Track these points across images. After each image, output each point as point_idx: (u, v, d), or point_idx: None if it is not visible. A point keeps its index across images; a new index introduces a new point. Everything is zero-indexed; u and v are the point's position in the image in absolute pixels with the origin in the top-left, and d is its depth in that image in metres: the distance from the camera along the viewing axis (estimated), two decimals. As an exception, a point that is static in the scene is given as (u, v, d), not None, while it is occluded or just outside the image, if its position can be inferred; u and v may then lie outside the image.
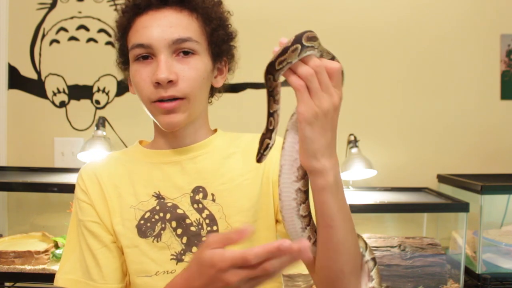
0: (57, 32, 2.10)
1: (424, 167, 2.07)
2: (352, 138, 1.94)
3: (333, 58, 0.74)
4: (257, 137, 1.02)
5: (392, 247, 1.68)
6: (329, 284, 0.83)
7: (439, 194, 1.87)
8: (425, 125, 2.09)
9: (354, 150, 1.91)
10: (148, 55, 0.91)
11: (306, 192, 0.77)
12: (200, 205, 0.95)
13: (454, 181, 1.91)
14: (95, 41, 2.09)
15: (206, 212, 0.94)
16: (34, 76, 2.11)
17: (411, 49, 2.09)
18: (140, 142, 1.05)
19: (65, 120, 2.11)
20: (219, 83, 1.01)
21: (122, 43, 0.97)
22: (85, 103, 2.11)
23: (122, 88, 2.08)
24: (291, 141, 0.75)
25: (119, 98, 2.10)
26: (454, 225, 1.86)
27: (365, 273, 0.85)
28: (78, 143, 2.06)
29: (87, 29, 2.09)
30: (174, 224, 0.93)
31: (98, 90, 2.10)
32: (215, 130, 1.06)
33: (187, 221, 0.94)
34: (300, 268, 1.62)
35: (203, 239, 0.93)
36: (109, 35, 2.07)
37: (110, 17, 1.98)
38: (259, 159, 0.76)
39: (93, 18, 2.09)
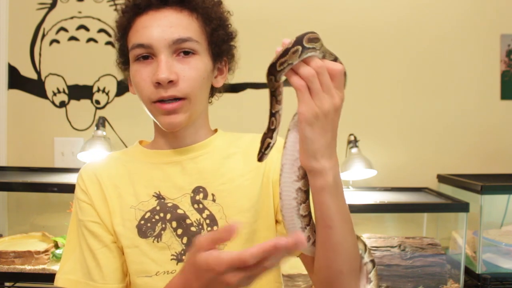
0: (57, 32, 2.10)
1: (424, 167, 2.07)
2: (352, 138, 1.94)
3: (335, 59, 0.74)
4: (257, 137, 1.03)
5: (392, 247, 1.68)
6: (328, 284, 0.83)
7: (439, 194, 1.87)
8: (425, 125, 2.09)
9: (354, 150, 1.91)
10: (148, 55, 0.91)
11: (306, 192, 0.77)
12: (201, 205, 0.95)
13: (454, 181, 1.91)
14: (95, 41, 2.09)
15: (206, 212, 0.94)
16: (34, 76, 2.11)
17: (411, 49, 2.09)
18: (140, 142, 1.05)
19: (65, 120, 2.11)
20: (219, 83, 1.01)
21: (122, 43, 0.97)
22: (85, 103, 2.11)
23: (122, 88, 2.08)
24: (293, 141, 0.75)
25: (119, 98, 2.10)
26: (454, 225, 1.86)
27: (364, 275, 0.85)
28: (78, 143, 2.06)
29: (87, 29, 2.09)
30: (174, 224, 0.93)
31: (98, 90, 2.10)
32: (216, 130, 1.05)
33: (188, 221, 0.94)
34: (300, 268, 1.62)
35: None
36: (109, 35, 2.07)
37: (110, 17, 1.98)
38: (260, 158, 0.76)
39: (93, 18, 2.09)
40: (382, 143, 2.08)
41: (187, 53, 0.91)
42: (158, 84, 0.89)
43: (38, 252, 1.68)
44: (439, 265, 1.64)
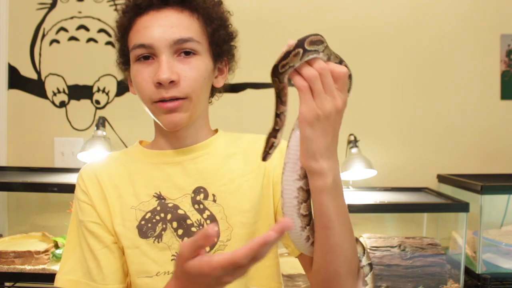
0: (57, 32, 2.09)
1: (424, 167, 2.07)
2: (352, 138, 1.94)
3: (341, 61, 0.74)
4: (258, 137, 1.03)
5: (392, 247, 1.68)
6: (325, 285, 0.83)
7: (439, 194, 1.87)
8: (425, 125, 2.09)
9: (354, 150, 1.91)
10: (149, 55, 0.91)
11: (308, 192, 0.77)
12: (201, 206, 0.95)
13: (454, 181, 1.91)
14: (95, 41, 2.09)
15: (207, 212, 0.94)
16: (34, 76, 2.11)
17: (411, 49, 2.09)
18: (140, 142, 1.05)
19: (65, 120, 2.11)
20: (219, 83, 1.01)
21: (123, 43, 0.97)
22: (85, 103, 2.11)
23: (122, 88, 2.08)
24: (296, 140, 0.75)
25: (119, 98, 2.10)
26: (454, 225, 1.86)
27: (360, 278, 0.86)
28: (78, 143, 2.06)
29: (87, 29, 2.09)
30: (175, 224, 0.93)
31: (98, 90, 2.10)
32: (216, 131, 1.06)
33: (188, 221, 0.94)
34: (300, 268, 1.61)
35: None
36: (109, 35, 2.07)
37: (110, 17, 1.98)
38: (264, 158, 0.76)
39: (93, 18, 2.09)
40: (382, 143, 2.08)
41: (188, 53, 0.91)
42: (159, 85, 0.89)
43: (38, 252, 1.68)
44: (439, 265, 1.64)
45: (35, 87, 2.11)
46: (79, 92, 2.10)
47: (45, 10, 2.09)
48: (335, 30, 2.05)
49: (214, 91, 1.04)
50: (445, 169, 2.06)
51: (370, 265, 0.87)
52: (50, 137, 2.10)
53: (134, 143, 1.05)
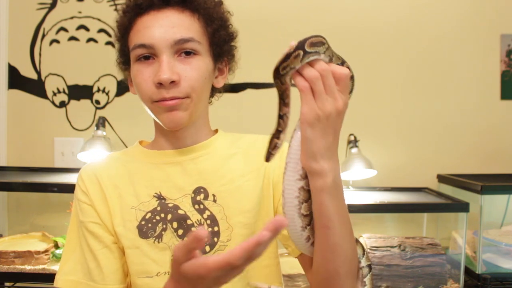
0: (57, 32, 2.09)
1: (424, 167, 2.07)
2: (352, 138, 1.94)
3: (343, 63, 0.74)
4: (258, 138, 1.04)
5: (392, 247, 1.68)
6: (325, 285, 0.83)
7: (439, 194, 1.87)
8: (425, 125, 2.09)
9: (354, 150, 1.91)
10: (149, 55, 0.91)
11: (309, 192, 0.78)
12: (201, 206, 0.95)
13: (454, 181, 1.91)
14: (95, 41, 2.09)
15: (207, 212, 0.94)
16: (34, 76, 2.11)
17: (411, 49, 2.09)
18: (140, 142, 1.04)
19: (65, 120, 2.11)
20: (220, 83, 1.01)
21: (123, 43, 0.97)
22: (85, 103, 2.11)
23: (122, 88, 2.08)
24: (298, 140, 0.76)
25: (119, 98, 2.10)
26: (454, 225, 1.86)
27: (359, 278, 0.87)
28: (78, 143, 2.06)
29: (87, 29, 2.09)
30: (175, 224, 0.93)
31: (98, 90, 2.10)
32: (216, 131, 1.06)
33: (188, 222, 0.94)
34: (300, 268, 1.61)
35: (205, 239, 0.93)
36: (109, 35, 2.07)
37: (110, 17, 1.98)
38: (267, 158, 0.77)
39: (93, 18, 2.09)
40: (382, 143, 2.08)
41: (188, 53, 0.91)
42: (159, 85, 0.89)
43: (38, 252, 1.68)
44: (439, 265, 1.64)
45: (35, 87, 2.11)
46: (79, 92, 2.10)
47: (45, 10, 2.09)
48: (335, 30, 2.05)
49: (214, 91, 1.04)
50: (445, 169, 2.06)
51: (369, 266, 0.88)
52: (50, 137, 2.10)
53: (134, 143, 1.05)
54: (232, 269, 0.59)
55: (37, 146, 2.10)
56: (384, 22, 2.08)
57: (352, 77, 0.74)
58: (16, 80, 2.11)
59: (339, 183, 0.77)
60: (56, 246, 1.76)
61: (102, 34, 2.09)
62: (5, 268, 1.66)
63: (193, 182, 0.96)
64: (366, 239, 1.72)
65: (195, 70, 0.91)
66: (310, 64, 0.70)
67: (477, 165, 2.07)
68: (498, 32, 2.09)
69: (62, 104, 2.11)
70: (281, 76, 0.71)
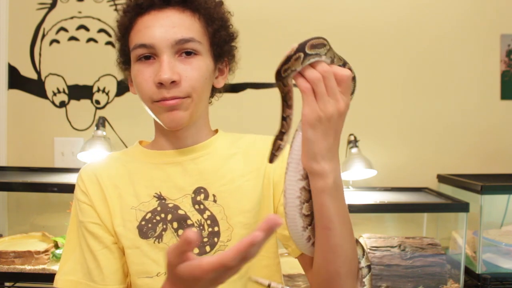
0: (57, 32, 2.09)
1: (424, 167, 2.08)
2: (352, 138, 1.94)
3: (344, 64, 0.74)
4: (258, 138, 1.04)
5: (392, 247, 1.68)
6: (325, 285, 0.84)
7: (439, 194, 1.87)
8: (425, 125, 2.09)
9: (354, 150, 1.91)
10: (150, 55, 0.91)
11: (310, 192, 0.78)
12: (202, 206, 0.95)
13: (454, 181, 1.91)
14: (95, 41, 2.09)
15: (207, 213, 0.94)
16: (34, 76, 2.11)
17: (411, 49, 2.09)
18: (140, 142, 1.04)
19: (65, 120, 2.11)
20: (220, 83, 1.01)
21: (123, 43, 0.97)
22: (85, 103, 2.11)
23: (122, 88, 2.08)
24: (300, 141, 0.76)
25: (119, 98, 2.10)
26: (454, 225, 1.86)
27: (358, 279, 0.87)
28: (78, 143, 2.06)
29: (87, 29, 2.09)
30: (175, 225, 0.93)
31: (98, 90, 2.10)
32: (216, 131, 1.06)
33: (189, 222, 0.94)
34: (300, 268, 1.62)
35: (205, 239, 0.93)
36: (109, 35, 2.07)
37: (110, 17, 1.98)
38: (271, 159, 0.77)
39: (93, 18, 2.09)
40: (382, 143, 2.08)
41: (189, 53, 0.91)
42: (160, 85, 0.89)
43: (38, 252, 1.68)
44: (439, 265, 1.64)
45: (35, 87, 2.11)
46: (79, 92, 2.10)
47: (45, 10, 2.09)
48: (335, 30, 2.05)
49: (214, 91, 1.04)
50: (445, 169, 2.06)
51: (369, 266, 0.88)
52: (50, 137, 2.10)
53: (134, 143, 1.05)
54: (226, 270, 0.59)
55: (37, 146, 2.10)
56: (384, 22, 2.08)
57: (353, 78, 0.74)
58: (16, 80, 2.11)
59: (340, 184, 0.77)
60: (56, 246, 1.76)
61: (102, 34, 2.09)
62: (5, 268, 1.66)
63: (194, 182, 0.96)
64: (366, 239, 1.72)
65: (195, 70, 0.91)
66: (312, 65, 0.70)
67: (477, 165, 2.07)
68: (498, 32, 2.09)
69: (62, 104, 2.11)
70: (283, 78, 0.71)
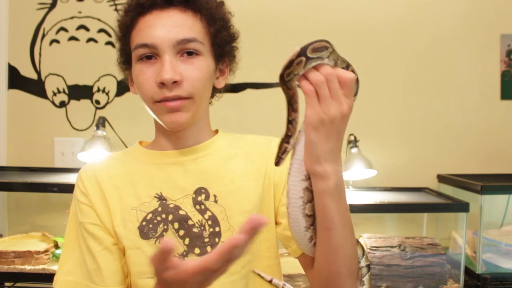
0: (57, 32, 2.09)
1: (424, 167, 2.08)
2: (352, 138, 1.94)
3: (348, 66, 0.74)
4: (259, 138, 1.04)
5: (392, 247, 1.68)
6: (326, 285, 0.84)
7: (439, 194, 1.87)
8: (425, 125, 2.09)
9: (354, 150, 1.91)
10: (152, 55, 0.90)
11: (313, 192, 0.78)
12: (203, 206, 0.95)
13: (454, 181, 1.91)
14: (95, 41, 2.09)
15: (208, 213, 0.94)
16: (34, 76, 2.11)
17: (411, 49, 2.09)
18: (140, 142, 1.04)
19: (65, 120, 2.11)
20: (220, 84, 1.01)
21: (124, 42, 0.96)
22: (85, 103, 2.11)
23: (122, 88, 2.08)
24: (303, 142, 0.76)
25: (119, 98, 2.10)
26: (454, 225, 1.86)
27: (358, 278, 0.88)
28: (78, 143, 2.06)
29: (87, 29, 2.09)
30: (176, 225, 0.93)
31: (98, 90, 2.10)
32: (216, 131, 1.05)
33: (190, 222, 0.93)
34: (300, 268, 1.62)
35: (206, 240, 0.93)
36: (109, 35, 2.07)
37: (110, 17, 1.98)
38: (277, 162, 0.77)
39: (93, 18, 2.09)
40: (382, 143, 2.09)
41: (190, 53, 0.91)
42: (162, 85, 0.88)
43: (38, 252, 1.68)
44: (439, 265, 1.64)
45: (35, 87, 2.11)
46: (79, 92, 2.10)
47: (45, 10, 2.09)
48: (334, 29, 2.05)
49: (214, 91, 1.04)
50: (445, 169, 2.06)
51: (368, 266, 0.89)
52: (50, 137, 2.10)
53: (134, 143, 1.05)
54: (211, 272, 0.59)
55: (37, 146, 2.10)
56: (383, 22, 2.08)
57: (357, 80, 0.74)
58: (16, 80, 2.10)
59: (342, 185, 0.78)
60: (56, 246, 1.76)
61: (102, 34, 2.09)
62: (5, 268, 1.66)
63: (194, 182, 0.96)
64: (366, 239, 1.72)
65: (197, 71, 0.91)
66: (316, 68, 0.71)
67: (477, 165, 2.08)
68: (498, 32, 2.09)
69: (62, 104, 2.11)
70: (287, 82, 0.71)
